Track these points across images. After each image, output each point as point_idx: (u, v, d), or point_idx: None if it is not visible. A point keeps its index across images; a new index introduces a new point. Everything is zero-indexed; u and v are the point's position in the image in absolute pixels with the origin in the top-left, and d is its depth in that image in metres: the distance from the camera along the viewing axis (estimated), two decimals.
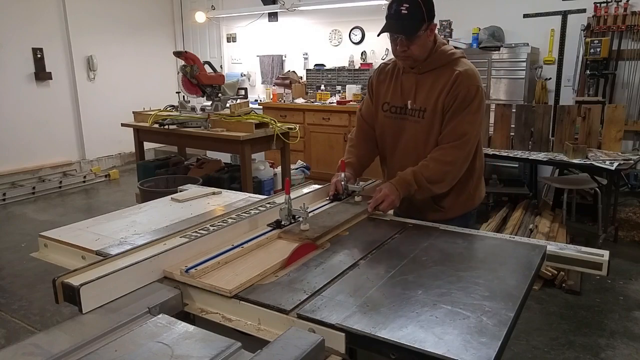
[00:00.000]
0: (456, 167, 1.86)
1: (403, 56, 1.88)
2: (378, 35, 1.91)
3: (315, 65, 6.86)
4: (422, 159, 1.89)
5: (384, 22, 1.82)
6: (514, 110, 4.46)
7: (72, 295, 1.15)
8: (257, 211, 1.76)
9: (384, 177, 2.18)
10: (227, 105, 4.58)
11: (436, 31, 1.90)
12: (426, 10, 1.79)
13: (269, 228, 1.64)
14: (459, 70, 1.85)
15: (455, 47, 2.00)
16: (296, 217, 1.68)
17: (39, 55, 6.53)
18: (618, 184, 4.28)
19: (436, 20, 1.85)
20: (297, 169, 5.69)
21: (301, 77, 6.97)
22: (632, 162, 3.82)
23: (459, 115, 1.83)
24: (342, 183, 1.95)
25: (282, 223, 1.65)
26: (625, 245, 4.19)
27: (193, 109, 4.72)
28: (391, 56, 2.02)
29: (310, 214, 1.70)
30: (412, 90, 1.94)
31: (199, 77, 4.43)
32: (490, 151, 4.41)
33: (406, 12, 1.78)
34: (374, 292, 1.20)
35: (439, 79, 1.89)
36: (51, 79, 6.69)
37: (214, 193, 2.20)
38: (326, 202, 1.95)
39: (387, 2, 1.86)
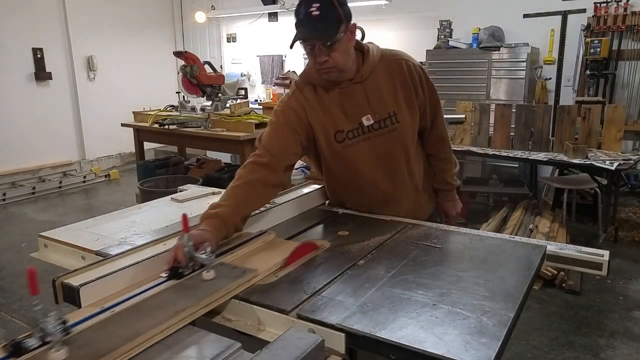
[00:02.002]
0: None
1: (326, 69, 1.58)
2: (291, 48, 1.58)
3: None
4: (411, 162, 1.80)
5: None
6: (514, 110, 4.46)
7: (71, 295, 1.15)
8: None
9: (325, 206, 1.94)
10: (227, 105, 4.59)
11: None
12: (342, 9, 1.52)
13: (2, 354, 0.92)
14: (400, 57, 1.72)
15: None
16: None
17: (39, 55, 6.53)
18: (618, 184, 4.28)
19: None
20: (297, 169, 5.68)
21: None
22: (632, 162, 3.82)
23: (432, 90, 1.80)
24: (186, 250, 1.26)
25: (28, 346, 0.93)
26: (625, 245, 4.18)
27: (193, 109, 4.73)
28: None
29: (99, 317, 1.05)
30: (364, 103, 1.67)
31: (199, 77, 4.44)
32: (490, 151, 4.42)
33: (318, 12, 1.49)
34: (374, 292, 1.20)
35: (387, 76, 1.69)
36: (51, 79, 6.68)
37: (214, 193, 2.20)
38: (159, 281, 1.24)
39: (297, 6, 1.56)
